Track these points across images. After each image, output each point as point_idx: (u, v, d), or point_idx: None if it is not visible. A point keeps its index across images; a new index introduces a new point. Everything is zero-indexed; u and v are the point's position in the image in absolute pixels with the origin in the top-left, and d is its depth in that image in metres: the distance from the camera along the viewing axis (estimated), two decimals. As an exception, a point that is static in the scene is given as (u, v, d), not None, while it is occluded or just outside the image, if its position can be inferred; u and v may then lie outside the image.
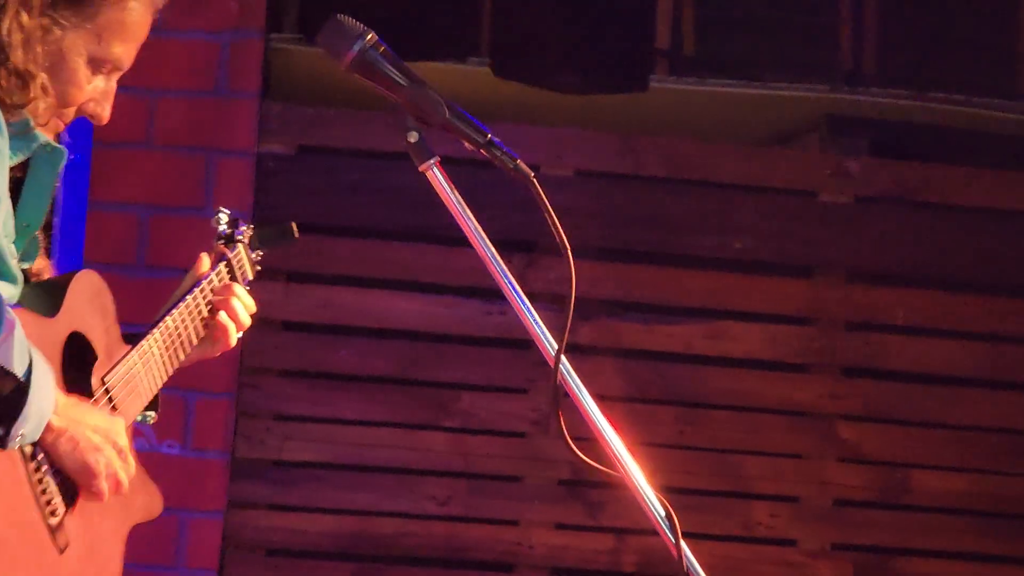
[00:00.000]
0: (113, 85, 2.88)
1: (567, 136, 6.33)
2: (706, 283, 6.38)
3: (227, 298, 3.16)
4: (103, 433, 2.70)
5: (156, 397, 3.08)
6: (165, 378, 3.06)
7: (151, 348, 3.00)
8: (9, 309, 2.51)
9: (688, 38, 6.81)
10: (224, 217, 3.35)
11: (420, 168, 2.58)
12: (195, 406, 5.72)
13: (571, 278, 2.60)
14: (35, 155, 2.81)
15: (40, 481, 2.66)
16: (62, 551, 2.70)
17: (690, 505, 6.22)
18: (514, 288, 2.64)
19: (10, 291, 2.74)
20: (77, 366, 2.82)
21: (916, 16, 6.91)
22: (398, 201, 6.05)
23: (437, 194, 2.62)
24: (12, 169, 2.78)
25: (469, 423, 6.23)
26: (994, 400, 6.46)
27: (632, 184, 6.38)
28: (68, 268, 2.96)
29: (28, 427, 2.54)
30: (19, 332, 2.51)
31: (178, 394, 5.61)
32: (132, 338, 3.00)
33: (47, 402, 2.57)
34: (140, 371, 2.96)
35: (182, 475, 5.66)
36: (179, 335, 3.07)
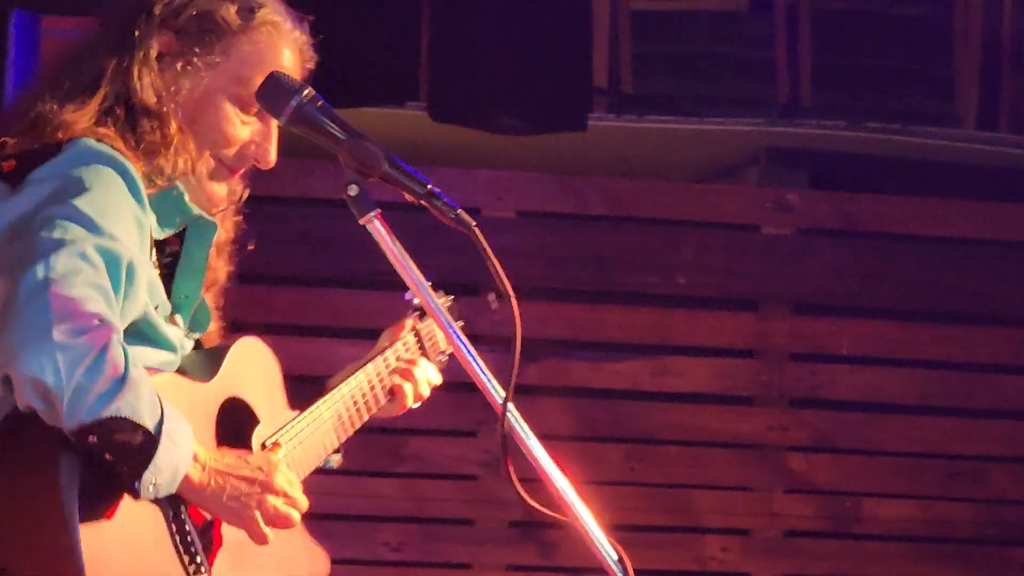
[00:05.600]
0: (273, 127, 2.91)
1: (507, 178, 6.35)
2: (651, 319, 6.41)
3: (410, 369, 3.31)
4: (250, 479, 2.70)
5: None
6: (342, 438, 3.15)
7: (322, 415, 3.07)
8: (137, 365, 2.55)
9: (626, 76, 6.86)
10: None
11: (361, 221, 2.58)
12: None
13: (516, 328, 2.60)
14: (189, 227, 2.87)
15: (184, 540, 2.68)
16: None
17: (643, 542, 6.24)
18: (458, 336, 2.64)
19: (163, 357, 2.79)
20: (236, 430, 2.85)
21: (850, 47, 6.99)
22: (340, 249, 6.05)
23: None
24: (170, 243, 2.85)
25: (420, 468, 6.22)
26: (940, 427, 6.50)
27: (574, 224, 6.40)
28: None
29: (161, 478, 2.56)
30: (148, 388, 2.55)
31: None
32: (302, 400, 3.06)
33: (182, 455, 2.59)
34: (306, 435, 3.02)
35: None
36: (356, 401, 3.18)
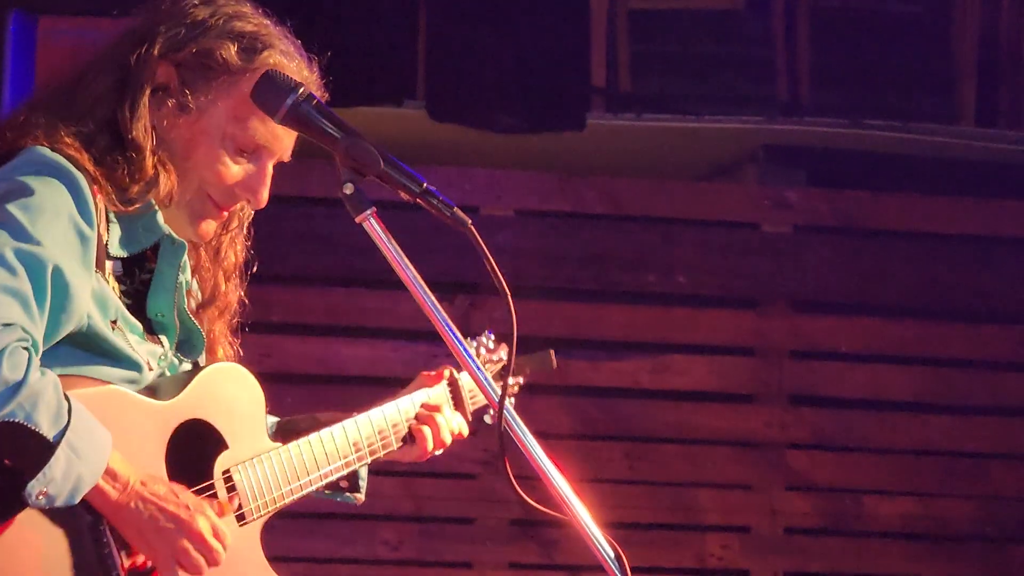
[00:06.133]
0: (267, 168, 2.87)
1: (506, 177, 6.35)
2: (650, 318, 6.41)
3: (431, 414, 3.26)
4: (171, 515, 2.65)
5: (357, 479, 3.16)
6: (328, 476, 3.04)
7: (312, 448, 2.98)
8: (46, 372, 2.52)
9: (624, 75, 6.86)
10: (485, 340, 3.46)
11: (356, 219, 2.57)
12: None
13: (512, 325, 2.60)
14: (161, 246, 2.82)
15: (100, 553, 2.62)
16: None
17: (643, 540, 6.24)
18: (455, 335, 2.64)
19: (125, 375, 2.73)
20: (196, 453, 2.78)
21: (850, 45, 6.99)
22: (339, 248, 6.05)
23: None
24: (148, 260, 2.82)
25: (419, 466, 6.18)
26: (938, 424, 6.50)
27: (573, 222, 6.41)
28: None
29: (56, 489, 2.52)
30: (53, 396, 2.51)
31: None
32: (292, 433, 2.99)
33: (87, 468, 2.54)
34: (283, 468, 2.93)
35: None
36: (357, 444, 3.10)
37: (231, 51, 2.80)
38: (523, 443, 2.64)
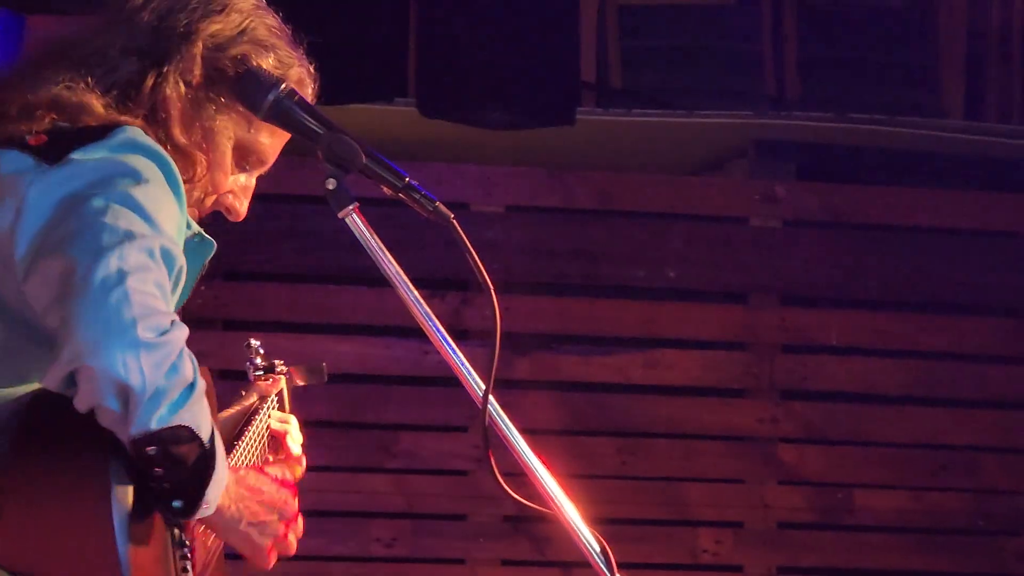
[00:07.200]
0: (252, 182, 2.80)
1: (496, 173, 6.35)
2: (641, 312, 6.41)
3: (284, 426, 3.15)
4: (269, 503, 2.59)
5: None
6: None
7: (238, 459, 2.92)
8: (198, 374, 2.40)
9: (614, 70, 6.87)
10: (259, 348, 3.31)
11: (339, 215, 2.57)
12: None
13: (496, 320, 2.60)
14: (184, 245, 2.65)
15: (184, 568, 2.54)
16: None
17: (636, 536, 6.24)
18: (438, 330, 2.64)
19: None
20: None
21: (837, 40, 6.99)
22: (330, 244, 6.05)
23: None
24: None
25: (411, 463, 6.22)
26: (930, 417, 6.51)
27: (563, 218, 6.41)
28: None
29: (211, 495, 2.42)
30: (205, 399, 2.39)
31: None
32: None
33: (225, 473, 2.45)
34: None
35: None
36: (253, 455, 3.04)
37: (267, 62, 2.71)
38: (507, 438, 2.64)
